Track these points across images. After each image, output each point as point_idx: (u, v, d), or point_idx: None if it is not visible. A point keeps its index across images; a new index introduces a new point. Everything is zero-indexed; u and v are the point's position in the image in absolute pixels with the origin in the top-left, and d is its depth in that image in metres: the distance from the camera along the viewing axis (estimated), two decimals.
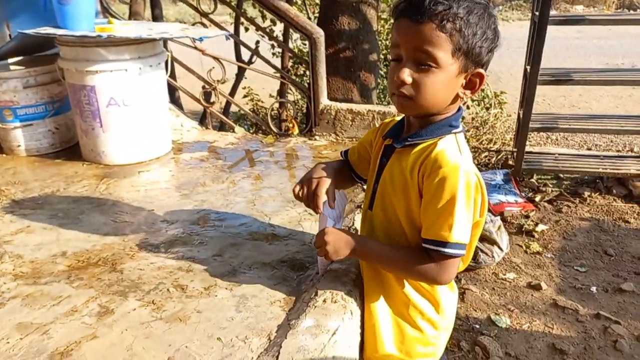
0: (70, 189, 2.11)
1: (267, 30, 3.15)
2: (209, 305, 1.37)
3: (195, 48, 2.58)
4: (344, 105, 2.61)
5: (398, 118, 1.32)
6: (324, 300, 1.31)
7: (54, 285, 1.47)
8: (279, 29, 4.25)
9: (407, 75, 1.07)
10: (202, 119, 3.41)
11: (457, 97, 1.13)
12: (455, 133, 1.16)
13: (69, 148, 2.57)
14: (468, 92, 1.14)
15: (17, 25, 2.71)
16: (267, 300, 1.39)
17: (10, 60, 2.55)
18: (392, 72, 1.12)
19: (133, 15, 3.09)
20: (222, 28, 2.65)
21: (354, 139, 2.62)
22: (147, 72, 2.28)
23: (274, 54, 4.24)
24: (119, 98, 2.26)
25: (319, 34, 2.48)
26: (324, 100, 2.63)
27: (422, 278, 1.20)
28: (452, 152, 1.12)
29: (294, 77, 3.59)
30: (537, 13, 3.04)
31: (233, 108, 3.84)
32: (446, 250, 1.10)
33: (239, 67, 3.44)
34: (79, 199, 2.03)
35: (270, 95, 4.35)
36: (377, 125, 1.45)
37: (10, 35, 2.74)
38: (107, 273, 1.53)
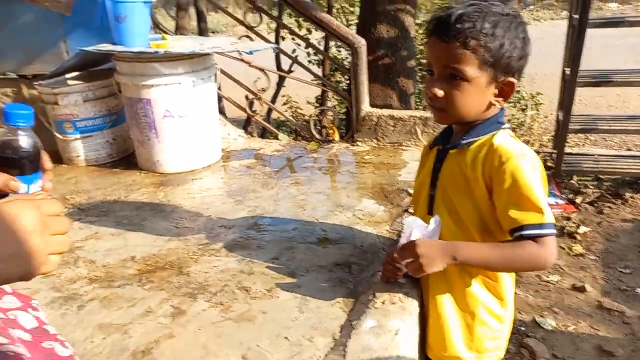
0: (130, 197, 2.24)
1: (306, 39, 3.23)
2: (273, 306, 1.46)
3: (242, 60, 2.68)
4: (385, 112, 2.68)
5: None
6: (383, 302, 1.38)
7: (127, 288, 1.58)
8: (314, 36, 4.35)
9: (438, 89, 1.18)
10: (245, 126, 3.52)
11: (490, 104, 1.22)
12: (504, 129, 1.25)
13: (125, 158, 2.71)
14: (500, 99, 1.22)
15: (74, 41, 2.86)
16: (327, 301, 1.47)
17: (68, 75, 2.70)
18: (426, 84, 1.24)
19: (179, 29, 3.22)
20: (267, 40, 2.75)
21: (395, 144, 2.69)
22: (199, 85, 2.40)
23: (309, 61, 4.33)
24: (174, 110, 2.37)
25: (361, 43, 2.55)
26: (366, 107, 2.70)
27: (534, 265, 1.19)
28: (512, 143, 1.20)
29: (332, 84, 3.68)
30: (576, 16, 3.05)
31: (273, 115, 3.95)
32: (546, 231, 1.14)
33: (280, 76, 3.54)
34: (140, 206, 2.15)
35: (308, 102, 4.45)
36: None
37: (67, 51, 2.90)
38: (175, 276, 1.63)
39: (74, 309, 1.48)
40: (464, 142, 1.26)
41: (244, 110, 2.92)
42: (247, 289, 1.55)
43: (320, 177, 2.42)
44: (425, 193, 1.39)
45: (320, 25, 2.53)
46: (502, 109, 1.27)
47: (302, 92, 4.72)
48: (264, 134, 3.37)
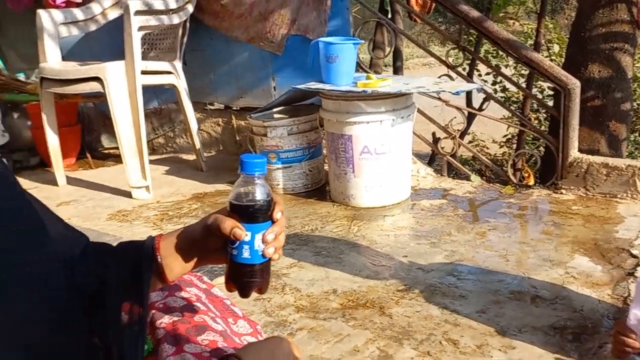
0: (326, 229, 2.31)
1: (511, 79, 3.11)
2: None
3: (439, 99, 2.66)
4: (598, 159, 2.43)
5: None
6: None
7: (332, 322, 1.60)
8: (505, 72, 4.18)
9: None
10: (429, 162, 3.48)
11: None
12: None
13: (317, 189, 2.82)
14: None
15: (282, 79, 3.10)
16: None
17: (275, 110, 2.92)
18: None
19: (372, 67, 3.32)
20: (466, 79, 2.69)
21: (608, 196, 2.42)
22: (398, 123, 2.42)
23: (505, 99, 4.16)
24: (372, 147, 2.42)
25: (575, 85, 2.37)
26: (574, 153, 2.48)
27: None
28: None
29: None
30: None
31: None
32: None
33: (469, 113, 3.45)
34: (336, 238, 2.21)
35: (494, 141, 4.28)
36: None
37: (274, 87, 3.15)
38: (378, 316, 1.62)
39: (285, 336, 1.54)
40: None
41: (435, 148, 2.88)
42: (455, 342, 1.47)
43: (521, 226, 2.26)
44: None
45: (530, 65, 2.40)
46: None
47: (486, 130, 4.56)
48: (448, 171, 3.29)
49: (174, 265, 0.80)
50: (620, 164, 2.37)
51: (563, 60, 3.15)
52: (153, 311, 0.96)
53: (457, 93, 2.23)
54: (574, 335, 1.48)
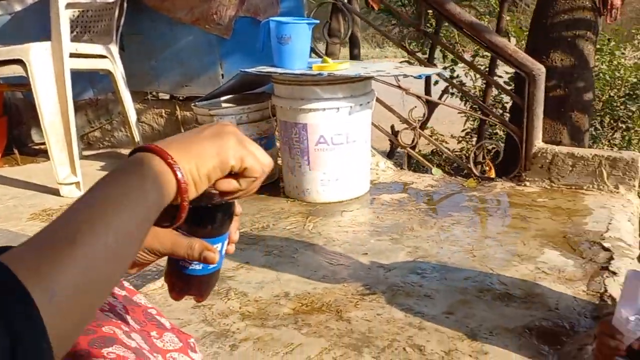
0: (278, 226, 2.11)
1: (474, 65, 2.98)
2: None
3: (399, 87, 2.50)
4: (564, 149, 2.33)
5: None
6: None
7: (283, 330, 1.41)
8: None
9: None
10: (389, 157, 3.33)
11: None
12: None
13: (270, 184, 2.60)
14: None
15: (230, 65, 2.88)
16: None
17: (222, 98, 2.69)
18: None
19: (329, 55, 3.13)
20: (427, 65, 2.54)
21: (573, 187, 2.32)
22: (356, 111, 2.24)
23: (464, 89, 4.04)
24: (328, 136, 2.24)
25: (540, 71, 2.25)
26: (539, 143, 2.37)
27: None
28: None
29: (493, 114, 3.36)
30: None
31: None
32: None
33: (429, 105, 3.32)
34: (290, 236, 2.01)
35: (452, 136, 4.17)
36: None
37: (222, 75, 2.92)
38: (334, 321, 1.43)
39: (227, 348, 1.34)
40: None
41: (397, 141, 2.72)
42: (421, 348, 1.30)
43: (486, 219, 2.13)
44: None
45: (494, 50, 2.27)
46: None
47: (443, 128, 4.46)
48: (408, 165, 3.17)
49: None
50: (587, 154, 2.27)
51: (523, 50, 3.05)
52: None
53: (420, 77, 2.07)
54: (551, 337, 1.33)
